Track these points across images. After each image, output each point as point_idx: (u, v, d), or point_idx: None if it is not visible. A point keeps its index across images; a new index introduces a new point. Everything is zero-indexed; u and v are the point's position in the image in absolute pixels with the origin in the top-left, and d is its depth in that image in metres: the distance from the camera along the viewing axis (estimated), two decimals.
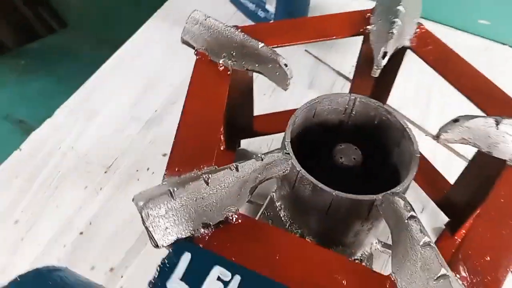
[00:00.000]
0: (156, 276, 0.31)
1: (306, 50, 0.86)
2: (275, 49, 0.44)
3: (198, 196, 0.33)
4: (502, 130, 0.39)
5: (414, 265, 0.30)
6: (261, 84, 0.58)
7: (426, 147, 0.56)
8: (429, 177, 0.57)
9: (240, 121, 0.58)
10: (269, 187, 0.51)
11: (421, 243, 0.30)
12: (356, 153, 0.46)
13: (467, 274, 0.32)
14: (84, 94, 0.78)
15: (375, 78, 0.47)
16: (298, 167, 0.40)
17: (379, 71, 0.46)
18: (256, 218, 0.51)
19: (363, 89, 0.56)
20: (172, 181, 0.34)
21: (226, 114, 0.57)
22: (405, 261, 0.31)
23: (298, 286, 0.31)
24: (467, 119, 0.39)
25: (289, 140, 0.42)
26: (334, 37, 0.49)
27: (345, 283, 0.31)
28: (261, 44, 0.43)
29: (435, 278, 0.29)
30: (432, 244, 0.30)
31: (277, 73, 0.43)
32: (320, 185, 0.39)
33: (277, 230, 0.35)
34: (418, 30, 0.50)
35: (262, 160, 0.35)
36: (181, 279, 0.31)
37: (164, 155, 0.69)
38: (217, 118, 0.40)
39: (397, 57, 0.51)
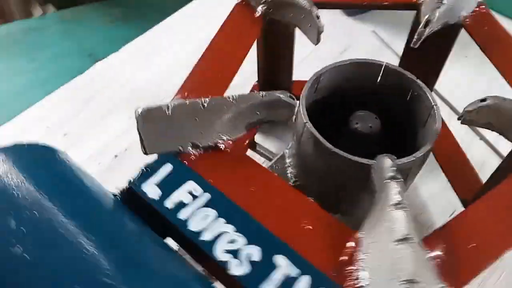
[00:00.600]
0: (135, 177, 0.33)
1: (373, 31, 0.83)
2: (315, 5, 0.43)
3: (192, 116, 0.34)
4: None
5: (381, 226, 0.29)
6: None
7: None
8: (460, 173, 0.52)
9: (278, 83, 0.58)
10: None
11: (392, 202, 0.29)
12: (375, 122, 0.44)
13: (443, 253, 0.30)
14: (152, 37, 0.83)
15: (424, 59, 0.44)
16: (305, 118, 0.39)
17: (419, 42, 0.43)
18: None
19: (410, 69, 0.53)
20: (175, 100, 0.36)
21: (264, 72, 0.58)
22: (375, 221, 0.30)
23: (260, 218, 0.31)
24: (496, 99, 0.36)
25: (305, 94, 0.42)
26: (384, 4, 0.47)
27: (310, 228, 0.31)
28: None
29: (396, 239, 0.27)
30: (405, 206, 0.29)
31: (310, 25, 0.42)
32: (321, 138, 0.38)
33: (261, 168, 0.35)
34: (477, 9, 0.46)
35: (262, 96, 0.35)
36: (156, 184, 0.33)
37: None
38: (238, 56, 0.41)
39: (449, 35, 0.48)
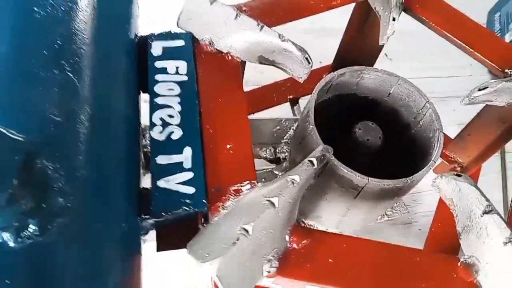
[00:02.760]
0: (151, 35, 0.40)
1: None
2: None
3: (224, 19, 0.39)
4: None
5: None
6: None
7: None
8: None
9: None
10: None
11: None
12: (377, 134, 0.45)
13: None
14: None
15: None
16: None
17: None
18: None
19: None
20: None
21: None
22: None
23: (205, 119, 0.36)
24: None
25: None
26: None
27: (229, 150, 0.36)
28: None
29: None
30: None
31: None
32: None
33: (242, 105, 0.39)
34: None
35: (282, 40, 0.38)
36: (162, 47, 0.39)
37: None
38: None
39: None
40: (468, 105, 0.42)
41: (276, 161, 0.52)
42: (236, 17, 0.39)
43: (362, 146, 0.45)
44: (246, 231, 0.29)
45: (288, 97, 0.60)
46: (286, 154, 0.51)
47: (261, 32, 0.39)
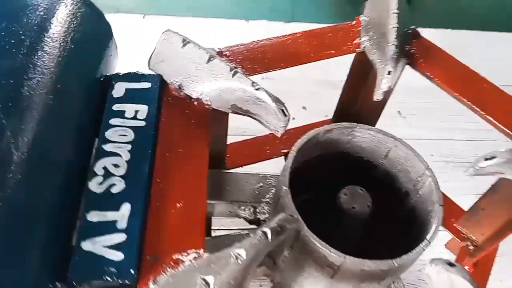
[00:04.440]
0: (116, 75, 0.37)
1: None
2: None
3: (195, 64, 0.36)
4: None
5: None
6: None
7: None
8: None
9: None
10: None
11: None
12: (365, 203, 0.39)
13: None
14: None
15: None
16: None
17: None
18: None
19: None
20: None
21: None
22: None
23: (157, 175, 0.32)
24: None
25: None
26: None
27: (177, 209, 0.31)
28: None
29: None
30: None
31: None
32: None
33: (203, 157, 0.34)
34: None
35: (255, 89, 0.34)
36: (125, 88, 0.36)
37: None
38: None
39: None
40: (474, 176, 0.36)
41: (256, 222, 0.47)
42: (208, 61, 0.36)
43: (347, 215, 0.38)
44: None
45: (282, 151, 0.55)
46: (267, 215, 0.46)
47: (233, 79, 0.35)
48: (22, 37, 0.31)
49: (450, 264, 0.29)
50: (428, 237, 0.35)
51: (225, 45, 0.41)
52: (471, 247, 0.51)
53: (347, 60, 0.51)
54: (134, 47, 0.56)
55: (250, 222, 0.47)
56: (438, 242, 0.43)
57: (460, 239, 0.51)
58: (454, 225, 0.50)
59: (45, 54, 0.32)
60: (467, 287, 0.27)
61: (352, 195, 0.39)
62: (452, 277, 0.28)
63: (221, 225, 0.60)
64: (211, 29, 0.85)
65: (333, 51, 0.44)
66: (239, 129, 0.68)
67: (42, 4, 0.34)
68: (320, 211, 0.41)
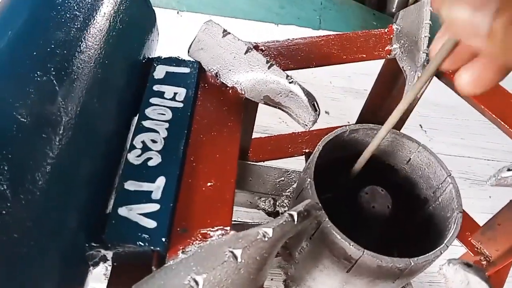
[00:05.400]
0: (158, 58, 0.38)
1: None
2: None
3: (232, 54, 0.37)
4: None
5: None
6: None
7: None
8: None
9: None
10: None
11: None
12: (386, 202, 0.40)
13: None
14: None
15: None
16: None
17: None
18: None
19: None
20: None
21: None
22: None
23: (191, 152, 0.33)
24: None
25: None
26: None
27: (210, 188, 0.32)
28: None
29: None
30: None
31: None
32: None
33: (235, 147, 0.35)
34: None
35: (289, 82, 0.35)
36: (166, 71, 0.37)
37: None
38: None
39: None
40: (495, 186, 0.36)
41: (274, 214, 0.48)
42: (246, 52, 0.37)
43: (367, 214, 0.39)
44: (196, 282, 0.25)
45: (303, 150, 0.56)
46: (286, 208, 0.47)
47: (269, 71, 0.37)
48: (77, 13, 0.33)
49: (467, 265, 0.29)
50: (445, 241, 0.36)
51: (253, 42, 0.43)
52: (484, 262, 0.52)
53: (372, 71, 0.52)
54: (168, 39, 0.58)
55: (269, 214, 0.48)
56: (452, 256, 0.43)
57: (473, 253, 0.52)
58: (469, 239, 0.51)
59: (96, 31, 0.34)
60: (484, 287, 0.28)
61: (372, 195, 0.40)
62: (468, 277, 0.29)
63: (237, 217, 0.61)
64: (242, 30, 0.87)
65: (364, 55, 0.45)
66: (261, 127, 0.70)
67: None
68: (338, 211, 0.42)
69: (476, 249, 0.52)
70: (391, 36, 0.46)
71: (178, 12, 0.82)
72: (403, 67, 0.43)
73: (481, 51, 0.21)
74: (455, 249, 0.50)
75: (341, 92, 0.80)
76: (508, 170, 0.35)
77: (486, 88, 0.24)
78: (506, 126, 0.40)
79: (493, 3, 0.18)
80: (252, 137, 0.52)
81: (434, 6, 0.21)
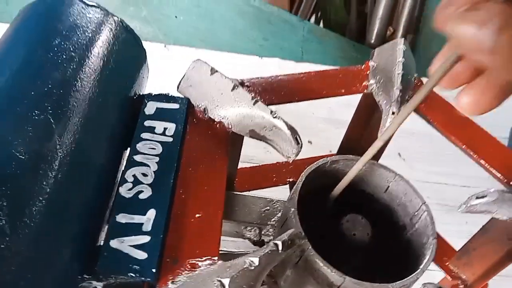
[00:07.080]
0: (151, 95, 0.40)
1: None
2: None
3: (219, 91, 0.40)
4: None
5: None
6: None
7: None
8: None
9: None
10: None
11: None
12: (365, 231, 0.42)
13: None
14: None
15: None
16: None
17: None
18: None
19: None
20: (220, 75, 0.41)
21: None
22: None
23: (180, 185, 0.35)
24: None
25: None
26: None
27: (197, 219, 0.34)
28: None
29: None
30: None
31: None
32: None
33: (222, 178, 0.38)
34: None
35: (273, 116, 0.38)
36: (156, 107, 0.39)
37: None
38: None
39: None
40: (466, 213, 0.39)
41: (260, 243, 0.49)
42: (232, 89, 0.40)
43: (348, 241, 0.41)
44: None
45: (288, 179, 0.58)
46: (271, 237, 0.48)
47: (254, 107, 0.39)
48: (72, 54, 0.36)
49: None
50: (421, 266, 0.38)
51: (239, 78, 0.46)
52: (462, 286, 0.54)
53: (353, 102, 0.55)
54: (156, 71, 0.61)
55: (254, 243, 0.49)
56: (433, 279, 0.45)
57: (451, 278, 0.54)
58: (447, 264, 0.53)
59: (90, 70, 0.36)
60: None
61: (353, 223, 0.42)
62: None
63: (224, 246, 0.62)
64: (226, 63, 0.90)
65: (343, 90, 0.48)
66: (247, 157, 0.72)
67: (90, 27, 0.38)
68: (322, 238, 0.44)
69: (453, 273, 0.54)
70: (367, 72, 0.49)
71: (165, 46, 0.85)
72: (379, 101, 0.46)
73: (486, 66, 0.22)
74: (435, 273, 0.52)
75: (323, 122, 0.83)
76: (477, 198, 0.37)
77: (487, 110, 0.24)
78: (475, 156, 0.43)
79: (496, 20, 0.19)
80: (238, 167, 0.53)
81: (437, 25, 0.22)
